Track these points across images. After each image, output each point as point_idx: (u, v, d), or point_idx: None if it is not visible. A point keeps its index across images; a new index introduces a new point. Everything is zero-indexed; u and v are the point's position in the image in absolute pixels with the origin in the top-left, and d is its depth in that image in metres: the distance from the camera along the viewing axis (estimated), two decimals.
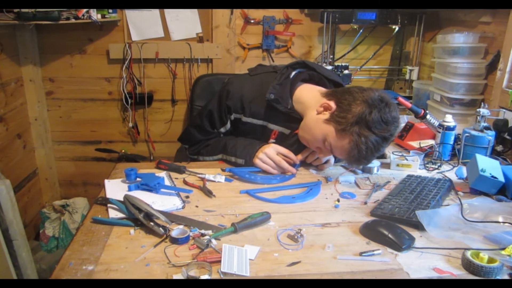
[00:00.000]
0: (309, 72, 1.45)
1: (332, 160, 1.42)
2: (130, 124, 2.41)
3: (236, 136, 1.47)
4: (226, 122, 1.46)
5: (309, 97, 1.35)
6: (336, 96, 1.26)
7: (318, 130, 1.25)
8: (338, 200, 1.18)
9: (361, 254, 0.92)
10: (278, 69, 1.45)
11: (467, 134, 1.48)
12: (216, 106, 1.44)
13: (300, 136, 1.35)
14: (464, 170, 1.36)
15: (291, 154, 1.36)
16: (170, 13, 2.25)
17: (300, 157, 1.36)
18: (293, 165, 1.36)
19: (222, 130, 1.48)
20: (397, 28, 2.40)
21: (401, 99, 1.55)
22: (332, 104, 1.24)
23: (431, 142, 1.57)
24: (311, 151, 1.37)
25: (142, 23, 2.25)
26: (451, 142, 1.50)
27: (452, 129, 1.48)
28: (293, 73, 1.44)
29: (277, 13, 2.32)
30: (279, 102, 1.37)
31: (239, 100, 1.40)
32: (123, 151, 2.46)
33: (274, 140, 1.43)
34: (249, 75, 1.50)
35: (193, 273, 0.85)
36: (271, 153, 1.34)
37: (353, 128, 1.16)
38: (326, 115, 1.24)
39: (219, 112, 1.44)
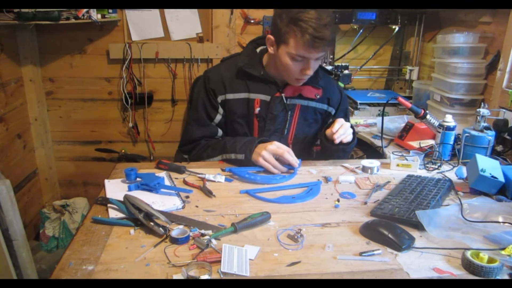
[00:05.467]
0: None
1: (347, 124, 1.42)
2: (130, 124, 2.42)
3: (229, 121, 1.55)
4: (218, 106, 1.54)
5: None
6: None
7: (282, 59, 1.38)
8: (338, 200, 1.18)
9: (361, 254, 0.92)
10: None
11: (467, 134, 1.48)
12: (203, 94, 1.55)
13: (284, 77, 1.46)
14: (464, 170, 1.36)
15: (291, 153, 1.36)
16: (170, 13, 2.25)
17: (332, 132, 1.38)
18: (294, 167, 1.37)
19: (218, 117, 1.54)
20: (397, 28, 2.40)
21: (401, 99, 1.55)
22: (270, 36, 1.41)
23: (431, 142, 1.57)
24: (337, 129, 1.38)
25: (142, 23, 2.25)
26: (451, 142, 1.50)
27: (452, 129, 1.48)
28: (259, 48, 1.57)
29: None
30: (252, 67, 1.49)
31: (219, 80, 1.53)
32: (123, 151, 2.47)
33: (259, 109, 1.51)
34: (221, 61, 1.67)
35: (193, 273, 0.85)
36: (273, 149, 1.35)
37: (289, 28, 1.31)
38: (274, 45, 1.40)
39: (208, 98, 1.54)
